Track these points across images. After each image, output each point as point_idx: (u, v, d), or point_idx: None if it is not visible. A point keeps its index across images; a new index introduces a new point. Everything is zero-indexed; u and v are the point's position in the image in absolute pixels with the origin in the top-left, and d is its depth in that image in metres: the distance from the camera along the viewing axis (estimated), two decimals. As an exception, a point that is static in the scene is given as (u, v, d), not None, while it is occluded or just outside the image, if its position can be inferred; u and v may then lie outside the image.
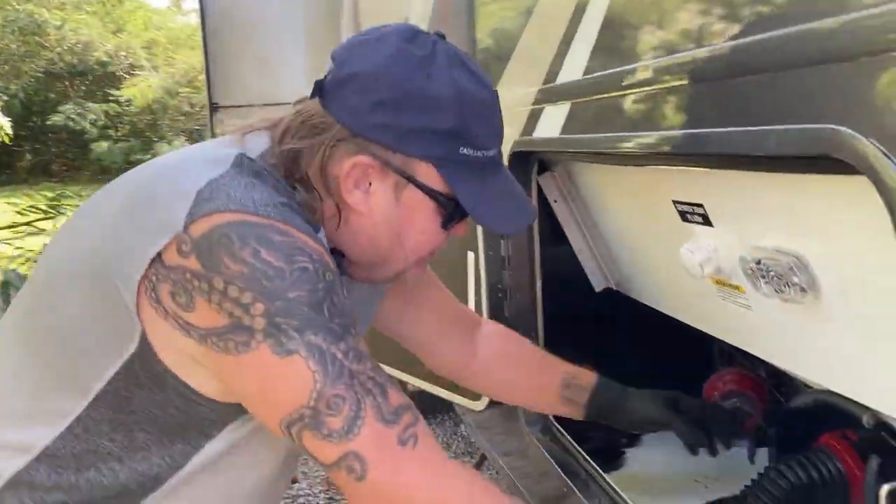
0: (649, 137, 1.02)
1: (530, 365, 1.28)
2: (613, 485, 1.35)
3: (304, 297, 0.77)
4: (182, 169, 0.87)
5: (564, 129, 1.30)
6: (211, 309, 0.77)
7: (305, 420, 0.77)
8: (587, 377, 1.27)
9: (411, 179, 0.89)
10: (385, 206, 0.90)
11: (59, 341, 0.85)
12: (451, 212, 0.92)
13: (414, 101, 0.86)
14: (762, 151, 0.77)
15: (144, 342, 0.81)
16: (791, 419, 1.35)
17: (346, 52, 0.91)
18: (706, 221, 1.14)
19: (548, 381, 1.27)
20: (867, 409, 1.17)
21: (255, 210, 0.79)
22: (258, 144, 0.90)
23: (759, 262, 1.01)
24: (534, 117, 1.43)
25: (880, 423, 1.16)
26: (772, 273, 0.99)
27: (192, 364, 0.82)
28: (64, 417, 0.85)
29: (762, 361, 1.52)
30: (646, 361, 1.68)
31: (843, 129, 0.65)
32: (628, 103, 1.10)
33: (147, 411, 0.85)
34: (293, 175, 0.89)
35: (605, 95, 1.17)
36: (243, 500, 0.95)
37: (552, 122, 1.35)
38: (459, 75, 0.88)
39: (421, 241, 0.94)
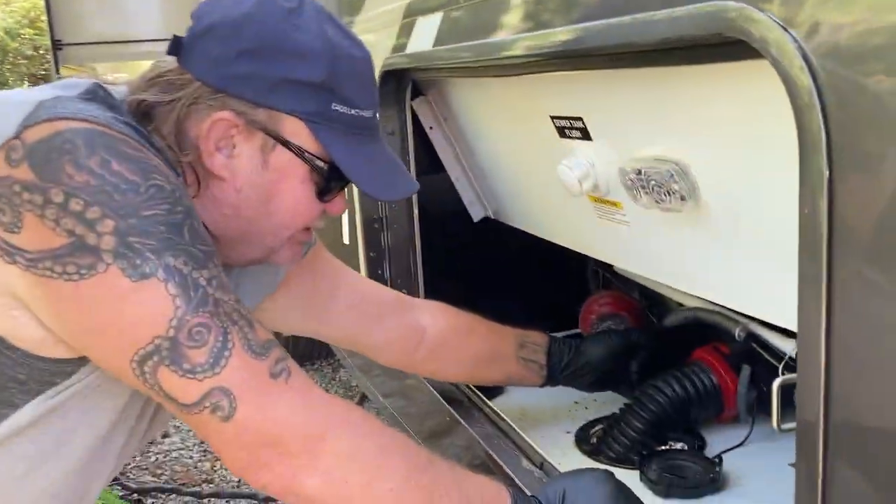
0: (529, 40, 0.96)
1: (482, 332, 1.22)
2: (499, 411, 1.34)
3: (161, 216, 0.68)
4: (28, 90, 0.77)
5: (437, 42, 1.22)
6: (44, 227, 0.66)
7: (163, 353, 0.68)
8: (539, 336, 1.25)
9: (278, 138, 0.80)
10: (250, 171, 0.81)
11: None
12: (326, 178, 0.82)
13: (280, 50, 0.78)
14: (651, 38, 0.72)
15: None
16: (665, 337, 1.38)
17: (206, 6, 0.82)
18: (585, 135, 1.11)
19: (503, 345, 1.23)
20: (738, 322, 1.20)
21: (108, 123, 0.70)
22: (116, 92, 0.80)
23: (639, 173, 0.99)
24: (405, 33, 1.35)
25: (750, 334, 1.19)
26: (652, 182, 0.97)
27: (7, 307, 0.71)
28: None
29: (636, 284, 1.55)
30: (525, 289, 1.68)
31: (737, 3, 0.61)
32: (505, 4, 1.04)
33: None
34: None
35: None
36: (53, 484, 0.80)
37: (424, 36, 1.27)
38: (330, 30, 0.81)
39: (292, 212, 0.84)
